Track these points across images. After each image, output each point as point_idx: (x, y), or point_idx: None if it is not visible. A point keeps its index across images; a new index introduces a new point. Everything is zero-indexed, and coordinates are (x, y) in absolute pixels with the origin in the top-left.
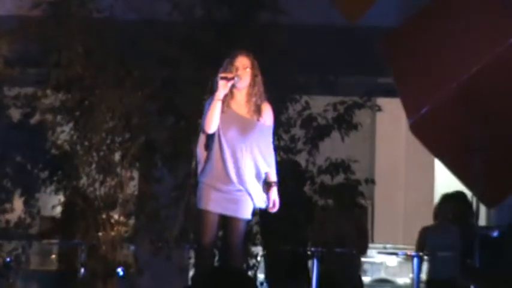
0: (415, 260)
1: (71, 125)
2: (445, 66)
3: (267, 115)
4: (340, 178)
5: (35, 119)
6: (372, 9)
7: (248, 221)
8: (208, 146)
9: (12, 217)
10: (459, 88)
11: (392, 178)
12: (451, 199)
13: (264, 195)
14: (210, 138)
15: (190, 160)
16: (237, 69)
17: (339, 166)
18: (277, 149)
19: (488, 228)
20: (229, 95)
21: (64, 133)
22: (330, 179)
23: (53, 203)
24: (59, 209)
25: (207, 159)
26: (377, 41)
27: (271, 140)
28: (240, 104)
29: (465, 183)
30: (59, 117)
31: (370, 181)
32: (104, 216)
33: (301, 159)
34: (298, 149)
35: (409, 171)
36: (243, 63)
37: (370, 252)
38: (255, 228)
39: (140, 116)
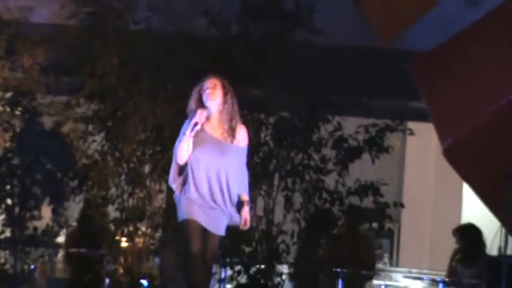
0: (441, 285)
1: (102, 135)
2: (481, 91)
3: (242, 137)
4: (368, 200)
5: (67, 127)
6: (406, 33)
7: (222, 238)
8: (182, 170)
9: (40, 224)
10: (496, 114)
11: (420, 202)
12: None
13: (237, 215)
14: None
15: None
16: (206, 89)
17: (368, 188)
18: (307, 168)
19: None
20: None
21: (95, 143)
22: (359, 201)
23: None
24: None
25: (185, 179)
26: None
27: (245, 161)
28: (214, 126)
29: (493, 210)
30: (90, 127)
31: (399, 204)
32: (131, 227)
33: (331, 179)
34: (328, 169)
35: (437, 196)
36: (212, 83)
37: (395, 276)
38: (282, 247)
39: (172, 129)
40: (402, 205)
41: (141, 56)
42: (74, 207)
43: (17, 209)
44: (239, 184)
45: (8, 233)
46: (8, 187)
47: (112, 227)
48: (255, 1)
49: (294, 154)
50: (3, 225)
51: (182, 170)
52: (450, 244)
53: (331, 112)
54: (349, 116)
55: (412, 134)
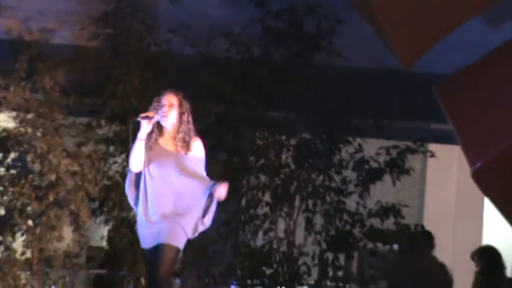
0: None
1: (123, 156)
2: (509, 114)
3: (196, 148)
4: (389, 222)
5: (88, 148)
6: (426, 55)
7: (178, 251)
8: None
9: (61, 246)
10: None
11: (441, 225)
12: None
13: (198, 224)
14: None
15: (240, 196)
16: (162, 107)
17: (389, 210)
18: (328, 190)
19: None
20: (158, 132)
21: (116, 164)
22: (380, 223)
23: (102, 234)
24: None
25: (138, 195)
26: (431, 87)
27: (203, 171)
28: (167, 141)
29: None
30: (111, 148)
31: (420, 226)
32: None
33: (352, 201)
34: (349, 191)
35: (458, 218)
36: (169, 101)
37: None
38: (303, 269)
39: None
40: (423, 227)
41: (162, 77)
42: (95, 228)
43: (38, 230)
44: (202, 185)
45: (28, 254)
46: (29, 208)
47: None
48: (276, 24)
49: (315, 176)
50: (24, 246)
51: (138, 179)
52: (471, 266)
53: (352, 134)
54: (370, 138)
55: (432, 156)
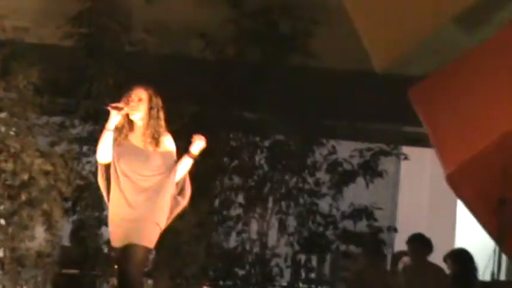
0: None
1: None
2: (486, 117)
3: (166, 144)
4: (362, 224)
5: (62, 148)
6: (400, 57)
7: (149, 251)
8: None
9: (33, 245)
10: (501, 140)
11: (414, 227)
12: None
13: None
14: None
15: (213, 197)
16: (132, 100)
17: (362, 212)
18: (301, 191)
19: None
20: (128, 127)
21: (89, 164)
22: (353, 225)
23: None
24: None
25: (109, 191)
26: (405, 89)
27: (173, 163)
28: (137, 137)
29: (493, 236)
30: (85, 148)
31: (393, 229)
32: None
33: (325, 203)
34: (323, 193)
35: (431, 221)
36: (138, 95)
37: None
38: (275, 270)
39: None
40: (396, 229)
41: (136, 77)
42: (68, 228)
43: (10, 230)
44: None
45: (0, 253)
46: (1, 207)
47: (105, 248)
48: (251, 24)
49: (288, 177)
50: None
51: (108, 171)
52: (444, 267)
53: (326, 136)
54: (344, 140)
55: (406, 158)
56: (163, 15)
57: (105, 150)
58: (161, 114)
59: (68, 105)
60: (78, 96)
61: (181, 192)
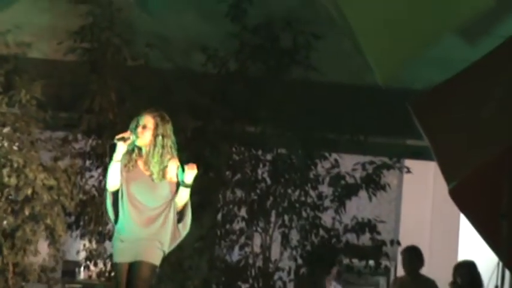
0: None
1: (100, 170)
2: (488, 131)
3: (172, 172)
4: (365, 238)
5: (65, 162)
6: (403, 70)
7: (155, 268)
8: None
9: (37, 260)
10: (504, 154)
11: (417, 240)
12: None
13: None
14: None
15: (215, 211)
16: (137, 128)
17: (365, 225)
18: (304, 205)
19: None
20: (138, 153)
21: (92, 178)
22: (356, 238)
23: (77, 248)
24: (83, 254)
25: (117, 214)
26: (408, 103)
27: (173, 192)
28: (145, 163)
29: (495, 250)
30: (88, 162)
31: (396, 242)
32: None
33: (328, 217)
34: (325, 206)
35: (434, 234)
36: (144, 123)
37: None
38: (278, 284)
39: None
40: (399, 243)
41: (138, 91)
42: (71, 243)
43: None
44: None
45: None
46: (5, 222)
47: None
48: (252, 38)
49: (291, 191)
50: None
51: (116, 199)
52: (446, 281)
53: (328, 149)
54: (346, 153)
55: (409, 171)
56: (166, 29)
57: (113, 181)
58: (168, 142)
59: (70, 119)
60: (80, 111)
61: (181, 220)
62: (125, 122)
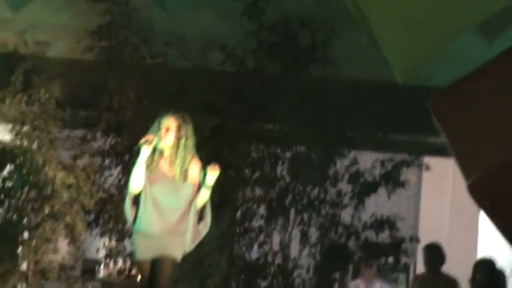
0: None
1: (119, 168)
2: (506, 127)
3: (195, 174)
4: (384, 235)
5: (84, 161)
6: (423, 67)
7: (177, 263)
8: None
9: (56, 258)
10: None
11: (436, 237)
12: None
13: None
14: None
15: (235, 209)
16: (160, 130)
17: (384, 223)
18: (323, 202)
19: None
20: (160, 154)
21: (111, 177)
22: (375, 235)
23: (97, 246)
24: (102, 252)
25: (138, 212)
26: (426, 100)
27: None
28: (167, 165)
29: None
30: (107, 161)
31: (415, 239)
32: None
33: (347, 214)
34: (344, 204)
35: (453, 231)
36: (166, 125)
37: None
38: (297, 281)
39: None
40: (418, 240)
41: (157, 90)
42: (90, 241)
43: (33, 242)
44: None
45: (24, 266)
46: (25, 221)
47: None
48: (270, 37)
49: (310, 189)
50: (20, 258)
51: (136, 200)
52: (465, 277)
53: (347, 147)
54: (365, 151)
55: (427, 168)
56: (183, 28)
57: (136, 183)
58: (190, 143)
59: (89, 118)
60: (99, 109)
61: (201, 219)
62: (144, 121)
